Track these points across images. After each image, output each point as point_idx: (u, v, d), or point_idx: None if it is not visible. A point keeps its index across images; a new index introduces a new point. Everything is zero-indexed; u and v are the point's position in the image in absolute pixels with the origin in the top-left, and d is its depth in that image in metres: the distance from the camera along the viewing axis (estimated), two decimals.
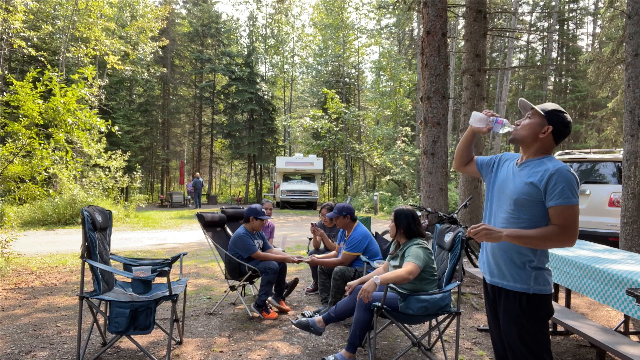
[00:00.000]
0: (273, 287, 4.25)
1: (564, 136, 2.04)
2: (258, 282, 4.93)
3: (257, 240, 4.33)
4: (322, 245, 5.06)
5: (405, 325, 3.19)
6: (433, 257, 3.12)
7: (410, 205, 4.06)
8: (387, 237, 5.62)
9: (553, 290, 2.04)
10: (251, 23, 30.15)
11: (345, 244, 4.11)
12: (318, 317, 3.21)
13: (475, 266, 5.66)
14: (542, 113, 2.01)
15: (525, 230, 1.92)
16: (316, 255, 4.33)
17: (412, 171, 20.36)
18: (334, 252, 4.48)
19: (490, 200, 2.17)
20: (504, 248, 2.03)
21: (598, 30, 28.13)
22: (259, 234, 4.41)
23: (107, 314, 3.01)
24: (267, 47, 31.33)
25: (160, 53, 24.68)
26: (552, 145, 2.04)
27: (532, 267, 1.97)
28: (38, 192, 6.62)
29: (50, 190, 7.99)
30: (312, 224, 4.74)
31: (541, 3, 29.15)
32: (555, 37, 28.42)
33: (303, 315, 4.07)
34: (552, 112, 2.01)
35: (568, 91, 29.16)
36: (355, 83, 31.35)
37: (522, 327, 1.97)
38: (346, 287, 3.18)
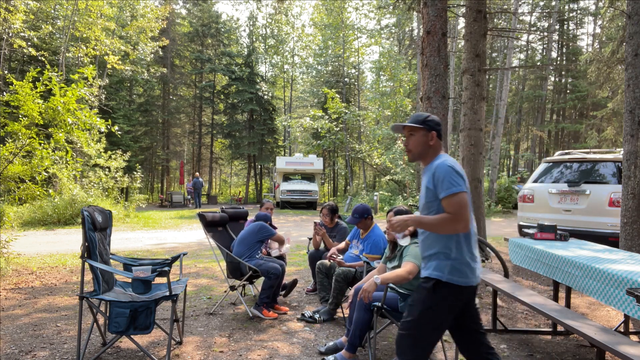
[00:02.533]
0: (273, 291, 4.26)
1: (442, 132, 2.31)
2: (258, 282, 4.94)
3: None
4: (322, 245, 5.06)
5: None
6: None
7: (410, 205, 4.05)
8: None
9: (472, 284, 2.13)
10: (251, 23, 30.14)
11: (364, 245, 4.08)
12: (344, 352, 3.08)
13: None
14: (420, 125, 2.24)
15: (425, 216, 2.13)
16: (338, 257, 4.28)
17: (412, 171, 20.36)
18: (341, 247, 4.47)
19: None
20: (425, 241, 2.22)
21: (598, 30, 28.13)
22: None
23: (107, 314, 3.01)
24: (267, 47, 31.33)
25: (160, 53, 24.67)
26: (441, 145, 2.29)
27: (449, 259, 2.11)
28: (38, 192, 6.62)
29: (50, 190, 8.00)
30: (315, 222, 4.75)
31: (541, 3, 29.15)
32: (555, 37, 28.42)
33: (303, 315, 4.07)
34: (426, 120, 2.25)
35: (568, 91, 29.16)
36: (355, 83, 31.35)
37: (422, 305, 2.12)
38: (348, 293, 3.17)
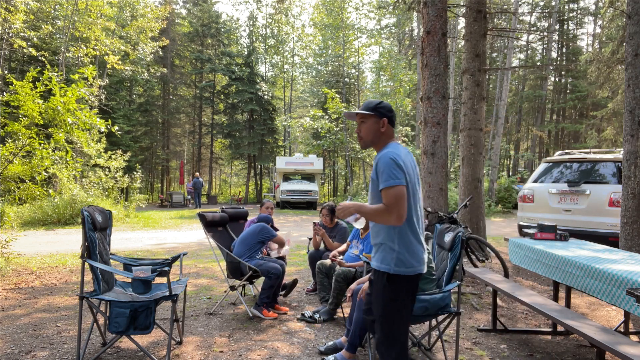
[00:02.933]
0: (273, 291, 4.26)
1: (395, 119, 2.32)
2: (258, 282, 4.94)
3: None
4: (322, 245, 5.06)
5: None
6: (431, 257, 3.12)
7: None
8: None
9: (421, 272, 2.20)
10: (251, 23, 30.14)
11: (364, 245, 4.08)
12: (344, 352, 3.08)
13: (475, 266, 5.66)
14: (371, 112, 2.25)
15: (365, 205, 2.15)
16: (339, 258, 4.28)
17: None
18: (343, 249, 4.47)
19: None
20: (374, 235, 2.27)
21: (598, 30, 28.14)
22: None
23: (107, 314, 3.01)
24: (267, 47, 31.33)
25: (160, 53, 24.67)
26: (392, 133, 2.30)
27: (393, 250, 2.17)
28: (38, 192, 6.62)
29: (50, 190, 7.99)
30: (314, 223, 4.75)
31: (541, 3, 29.16)
32: (555, 37, 28.42)
33: (303, 315, 4.07)
34: (377, 107, 2.26)
35: (568, 91, 29.17)
36: (355, 83, 31.35)
37: (382, 299, 2.18)
38: (347, 292, 3.17)
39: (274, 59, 32.88)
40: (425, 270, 2.23)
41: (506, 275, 5.05)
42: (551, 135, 30.76)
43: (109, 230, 3.45)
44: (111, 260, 3.43)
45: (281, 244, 4.52)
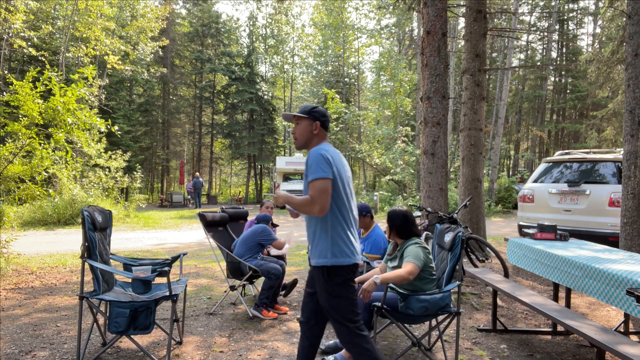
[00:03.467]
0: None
1: (329, 123, 2.52)
2: (258, 282, 4.94)
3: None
4: None
5: (405, 325, 3.19)
6: (431, 257, 3.12)
7: (410, 205, 4.05)
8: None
9: (356, 262, 2.32)
10: (251, 23, 30.13)
11: (365, 245, 4.08)
12: (344, 352, 3.07)
13: (476, 266, 5.66)
14: (306, 115, 2.44)
15: (295, 196, 2.29)
16: None
17: (412, 171, 20.36)
18: None
19: None
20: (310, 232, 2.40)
21: (598, 30, 28.14)
22: None
23: (107, 314, 3.01)
24: (267, 47, 31.33)
25: (160, 53, 24.67)
26: (325, 135, 2.49)
27: (327, 242, 2.29)
28: (38, 192, 6.62)
29: (50, 190, 7.99)
30: None
31: (541, 3, 29.15)
32: (555, 37, 28.43)
33: None
34: (311, 111, 2.46)
35: (568, 91, 29.17)
36: (355, 83, 31.35)
37: (327, 293, 2.29)
38: None
39: (274, 59, 32.88)
40: (359, 261, 2.36)
41: (506, 275, 5.05)
42: (551, 135, 30.76)
43: (109, 230, 3.45)
44: (111, 260, 3.43)
45: (279, 248, 4.51)
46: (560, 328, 3.80)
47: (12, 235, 6.61)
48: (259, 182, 30.66)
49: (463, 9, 8.76)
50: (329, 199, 2.22)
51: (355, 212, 2.45)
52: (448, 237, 3.16)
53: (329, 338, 3.60)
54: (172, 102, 29.96)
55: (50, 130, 6.39)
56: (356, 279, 3.28)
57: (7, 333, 3.61)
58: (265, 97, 27.95)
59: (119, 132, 9.33)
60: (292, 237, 8.62)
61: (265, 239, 4.32)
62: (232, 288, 4.41)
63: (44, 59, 13.38)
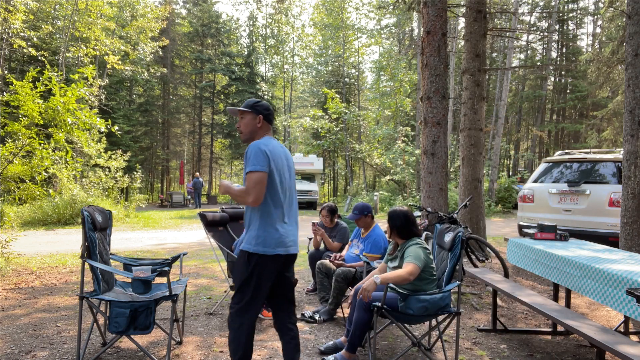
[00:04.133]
0: None
1: (272, 117, 2.63)
2: None
3: None
4: (322, 245, 5.06)
5: (405, 325, 3.19)
6: (432, 257, 3.12)
7: (410, 205, 4.05)
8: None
9: (280, 254, 2.44)
10: (251, 23, 30.16)
11: (365, 245, 4.08)
12: (344, 352, 3.04)
13: (476, 266, 5.66)
14: (249, 110, 2.56)
15: (234, 186, 2.43)
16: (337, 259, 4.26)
17: (412, 171, 20.36)
18: (339, 249, 4.47)
19: None
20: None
21: (598, 30, 28.13)
22: None
23: (107, 314, 3.01)
24: (267, 47, 31.33)
25: (160, 53, 24.67)
26: (269, 128, 2.62)
27: (255, 231, 2.43)
28: (38, 192, 6.62)
29: (50, 190, 7.99)
30: (313, 223, 4.73)
31: (541, 3, 29.16)
32: (555, 37, 28.42)
33: (303, 315, 4.07)
34: (255, 105, 2.58)
35: (568, 91, 29.17)
36: (355, 83, 31.35)
37: (240, 274, 2.45)
38: (348, 296, 3.16)
39: (274, 59, 32.90)
40: (290, 253, 2.50)
41: (506, 275, 5.05)
42: (551, 135, 30.75)
43: (109, 230, 3.45)
44: (111, 260, 3.43)
45: None
46: (560, 328, 3.80)
47: (12, 235, 6.61)
48: None
49: (463, 9, 8.76)
50: (262, 191, 2.35)
51: (295, 206, 2.60)
52: (448, 237, 3.16)
53: (329, 338, 3.61)
54: (172, 102, 29.96)
55: (50, 130, 6.39)
56: (357, 285, 3.28)
57: (7, 333, 3.61)
58: (265, 97, 27.97)
59: (119, 132, 9.32)
60: None
61: None
62: (232, 288, 4.41)
63: (44, 59, 13.38)
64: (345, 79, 30.40)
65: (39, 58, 14.50)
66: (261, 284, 2.43)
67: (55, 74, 6.34)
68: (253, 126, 2.57)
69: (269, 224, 2.41)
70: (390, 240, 3.28)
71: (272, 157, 2.41)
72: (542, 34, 28.01)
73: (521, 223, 6.91)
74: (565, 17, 29.55)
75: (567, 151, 7.11)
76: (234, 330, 2.46)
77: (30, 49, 15.20)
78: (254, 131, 2.58)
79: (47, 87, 6.16)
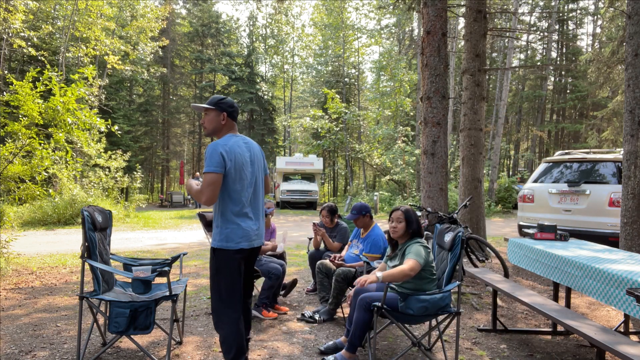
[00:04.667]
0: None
1: (237, 113, 2.72)
2: (258, 282, 4.94)
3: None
4: (322, 245, 5.06)
5: (405, 325, 3.19)
6: (432, 257, 3.12)
7: (410, 205, 4.05)
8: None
9: (244, 247, 2.58)
10: (251, 23, 30.16)
11: (364, 245, 4.08)
12: (344, 352, 3.03)
13: (476, 266, 5.66)
14: (213, 107, 2.62)
15: (193, 186, 2.55)
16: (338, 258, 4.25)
17: (412, 171, 20.36)
18: (339, 249, 4.47)
19: None
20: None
21: (598, 30, 28.13)
22: (268, 232, 4.45)
23: (107, 314, 3.01)
24: (267, 47, 31.34)
25: (160, 53, 24.67)
26: (233, 125, 2.69)
27: (218, 227, 2.58)
28: (38, 192, 6.62)
29: (50, 190, 7.98)
30: (314, 223, 4.73)
31: (541, 3, 29.15)
32: (555, 37, 28.42)
33: (303, 315, 4.07)
34: (219, 102, 2.64)
35: (568, 91, 29.17)
36: (355, 83, 31.34)
37: (212, 270, 2.61)
38: (347, 295, 3.16)
39: (274, 59, 32.91)
40: (254, 246, 2.63)
41: (506, 275, 5.05)
42: (551, 135, 30.75)
43: (109, 230, 3.45)
44: (111, 260, 3.43)
45: (263, 253, 4.40)
46: (560, 328, 3.80)
47: (12, 235, 6.61)
48: None
49: (463, 9, 8.76)
50: (215, 192, 2.46)
51: (260, 199, 2.71)
52: (448, 237, 3.16)
53: (329, 338, 3.61)
54: (172, 102, 29.97)
55: (50, 130, 6.39)
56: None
57: (7, 333, 3.61)
58: (265, 97, 27.97)
59: (119, 132, 9.32)
60: (287, 237, 8.60)
61: None
62: None
63: (44, 59, 13.39)
64: (345, 79, 30.40)
65: (39, 58, 14.50)
66: (232, 279, 2.55)
67: (55, 74, 6.33)
68: (217, 123, 2.65)
69: (230, 220, 2.54)
70: (393, 240, 3.27)
71: (229, 156, 2.50)
72: (542, 34, 28.01)
73: (521, 223, 6.91)
74: (565, 17, 29.55)
75: (567, 151, 7.11)
76: (221, 329, 2.55)
77: (30, 49, 15.20)
78: (217, 128, 2.66)
79: (47, 87, 6.15)
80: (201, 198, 2.44)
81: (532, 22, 29.91)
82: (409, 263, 2.87)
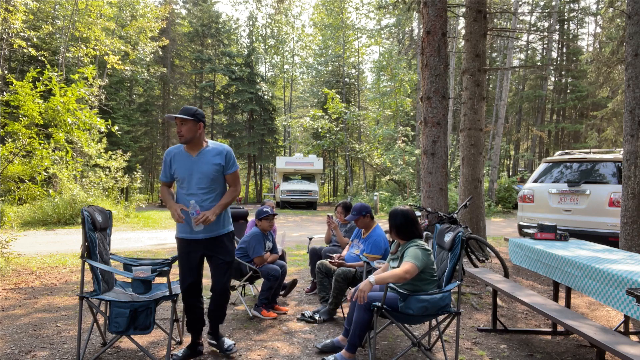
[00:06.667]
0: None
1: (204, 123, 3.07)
2: (258, 282, 4.94)
3: (268, 243, 4.35)
4: (323, 245, 5.06)
5: (405, 325, 3.19)
6: (433, 258, 3.11)
7: (410, 205, 4.04)
8: None
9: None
10: (251, 23, 30.16)
11: (365, 245, 4.08)
12: (344, 352, 3.02)
13: (476, 266, 5.66)
14: (191, 118, 2.91)
15: (214, 200, 3.08)
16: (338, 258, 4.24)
17: (412, 171, 20.36)
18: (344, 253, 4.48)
19: (183, 184, 3.06)
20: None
21: (598, 30, 28.13)
22: (270, 234, 4.42)
23: (107, 314, 3.01)
24: (267, 47, 31.33)
25: (160, 53, 24.67)
26: (203, 133, 3.05)
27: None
28: (38, 192, 6.62)
29: (50, 190, 7.99)
30: (328, 215, 4.74)
31: (541, 3, 29.15)
32: (556, 37, 28.41)
33: (303, 315, 4.07)
34: (195, 114, 2.94)
35: (568, 91, 29.16)
36: (356, 83, 31.35)
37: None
38: (347, 295, 3.16)
39: (274, 59, 32.90)
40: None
41: (506, 275, 5.05)
42: (551, 135, 30.75)
43: (109, 230, 3.44)
44: (111, 260, 3.43)
45: (259, 264, 4.25)
46: (560, 328, 3.80)
47: (12, 235, 6.61)
48: (259, 182, 30.67)
49: (463, 9, 8.76)
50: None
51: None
52: (448, 237, 3.16)
53: (329, 338, 3.61)
54: (172, 102, 29.96)
55: (50, 130, 6.39)
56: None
57: (7, 333, 3.61)
58: (265, 97, 27.97)
59: (119, 132, 9.32)
60: (286, 238, 8.60)
61: (251, 248, 4.17)
62: (232, 288, 4.40)
63: (44, 59, 13.39)
64: (345, 79, 30.40)
65: (39, 58, 14.51)
66: (186, 260, 3.12)
67: (55, 74, 6.33)
68: (194, 132, 2.96)
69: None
70: (392, 240, 3.27)
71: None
72: (542, 34, 27.99)
73: (521, 223, 6.91)
74: (566, 17, 29.55)
75: (567, 151, 7.11)
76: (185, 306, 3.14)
77: (30, 49, 15.20)
78: (194, 136, 2.97)
79: (47, 87, 6.15)
80: (239, 190, 3.15)
81: (532, 22, 29.90)
82: (405, 266, 2.86)
